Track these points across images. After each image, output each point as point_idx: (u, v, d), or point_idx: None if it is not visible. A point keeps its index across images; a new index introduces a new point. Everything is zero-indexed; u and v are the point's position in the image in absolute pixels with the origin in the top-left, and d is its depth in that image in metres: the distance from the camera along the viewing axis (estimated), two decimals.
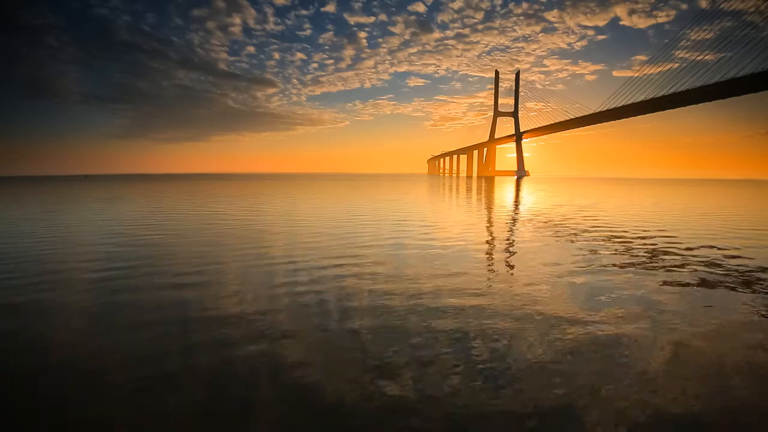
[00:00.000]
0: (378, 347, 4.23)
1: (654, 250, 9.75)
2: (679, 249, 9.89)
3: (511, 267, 7.89)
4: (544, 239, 11.21)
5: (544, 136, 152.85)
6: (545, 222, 15.09)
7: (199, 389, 3.45)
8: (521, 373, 3.71)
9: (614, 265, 8.04)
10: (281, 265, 8.03)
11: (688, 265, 8.11)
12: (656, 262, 8.33)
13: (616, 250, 9.73)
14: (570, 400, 3.23)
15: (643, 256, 8.97)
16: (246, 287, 6.42)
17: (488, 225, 14.40)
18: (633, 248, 9.99)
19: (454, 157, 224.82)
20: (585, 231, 12.97)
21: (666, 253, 9.39)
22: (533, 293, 6.09)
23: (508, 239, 11.28)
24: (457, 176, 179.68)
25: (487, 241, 10.84)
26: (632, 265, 8.05)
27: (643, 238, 11.65)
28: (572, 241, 10.88)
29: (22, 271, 7.66)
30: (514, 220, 15.80)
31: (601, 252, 9.44)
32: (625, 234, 12.44)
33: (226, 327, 4.81)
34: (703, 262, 8.43)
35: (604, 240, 11.26)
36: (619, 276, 7.16)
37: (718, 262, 8.47)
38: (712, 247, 10.20)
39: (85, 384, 3.56)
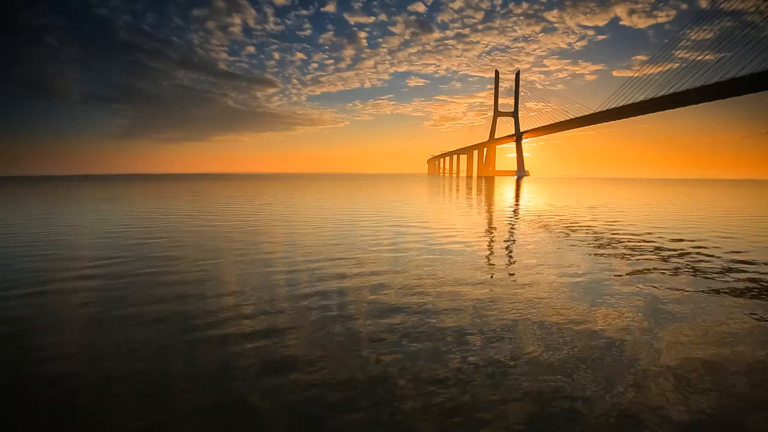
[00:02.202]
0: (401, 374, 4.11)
1: (703, 268, 8.04)
2: (723, 262, 8.62)
3: (562, 289, 6.43)
4: (574, 249, 9.97)
5: (544, 136, 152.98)
6: (567, 227, 14.13)
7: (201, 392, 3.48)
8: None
9: (663, 285, 6.73)
10: (288, 274, 7.90)
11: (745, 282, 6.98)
12: (708, 282, 6.95)
13: (662, 267, 8.11)
14: None
15: (686, 269, 7.89)
16: (257, 304, 6.18)
17: (508, 231, 13.12)
18: (671, 260, 8.74)
19: (454, 157, 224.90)
20: (613, 239, 11.61)
21: (718, 269, 7.94)
22: (591, 317, 5.15)
23: (539, 251, 9.75)
24: (457, 176, 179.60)
25: (516, 252, 9.62)
26: (689, 288, 6.59)
27: (679, 250, 9.96)
28: (605, 253, 9.44)
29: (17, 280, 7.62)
30: (535, 226, 14.48)
31: (644, 267, 8.10)
32: (652, 241, 11.23)
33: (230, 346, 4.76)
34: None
35: (636, 249, 9.97)
36: (676, 301, 5.90)
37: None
38: (753, 262, 8.64)
39: (84, 390, 3.56)
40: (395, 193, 36.40)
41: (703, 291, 6.40)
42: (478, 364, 3.93)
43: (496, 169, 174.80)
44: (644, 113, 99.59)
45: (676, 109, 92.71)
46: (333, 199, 29.18)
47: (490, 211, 19.93)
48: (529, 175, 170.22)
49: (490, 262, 8.51)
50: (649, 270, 7.82)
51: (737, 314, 5.36)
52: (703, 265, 8.32)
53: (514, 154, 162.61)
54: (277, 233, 12.40)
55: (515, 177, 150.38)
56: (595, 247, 10.32)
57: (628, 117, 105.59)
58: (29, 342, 4.44)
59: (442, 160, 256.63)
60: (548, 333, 4.68)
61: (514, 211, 19.99)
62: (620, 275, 7.39)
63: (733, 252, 9.75)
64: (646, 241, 11.22)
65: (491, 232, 12.76)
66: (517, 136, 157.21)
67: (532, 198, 32.14)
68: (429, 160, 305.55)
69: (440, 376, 3.67)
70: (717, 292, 6.37)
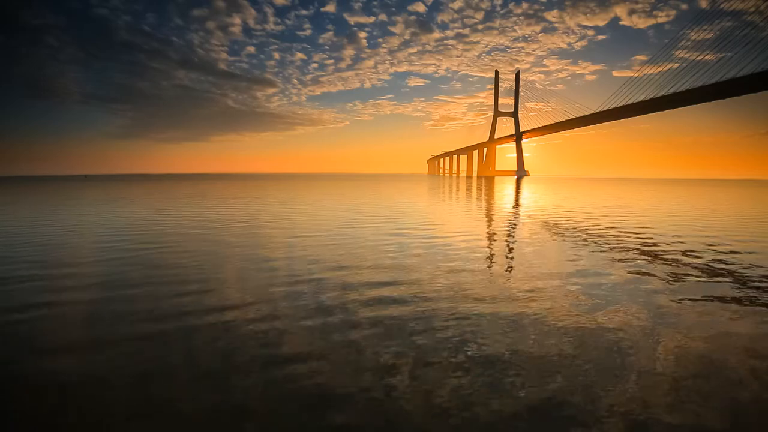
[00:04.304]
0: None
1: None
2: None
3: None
4: (609, 262, 8.57)
5: (544, 136, 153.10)
6: (592, 234, 12.48)
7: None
8: None
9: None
10: (298, 284, 7.68)
11: None
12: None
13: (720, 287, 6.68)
14: None
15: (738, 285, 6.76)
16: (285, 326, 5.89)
17: (531, 239, 11.68)
18: (726, 275, 7.52)
19: (454, 157, 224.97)
20: (640, 248, 10.25)
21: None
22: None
23: (573, 263, 8.47)
24: (457, 176, 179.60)
25: (550, 266, 8.22)
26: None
27: (731, 263, 8.55)
28: (644, 269, 7.95)
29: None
30: (556, 232, 13.09)
31: (687, 280, 7.08)
32: (689, 251, 9.84)
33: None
34: None
35: (667, 258, 8.90)
36: None
37: None
38: None
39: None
40: (399, 194, 36.37)
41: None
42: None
43: (496, 169, 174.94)
44: (644, 113, 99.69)
45: (676, 109, 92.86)
46: (336, 199, 29.15)
47: (502, 215, 18.76)
48: (529, 175, 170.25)
49: (520, 276, 7.35)
50: (705, 297, 6.19)
51: None
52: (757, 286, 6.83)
53: (514, 154, 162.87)
54: (283, 238, 12.30)
55: (515, 177, 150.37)
56: (631, 260, 8.80)
57: (628, 117, 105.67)
58: (29, 341, 4.43)
59: (442, 160, 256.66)
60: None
61: (528, 215, 18.68)
62: (659, 288, 6.57)
63: None
64: (679, 250, 10.02)
65: (512, 240, 11.45)
66: (517, 136, 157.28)
67: (540, 199, 31.36)
68: (429, 160, 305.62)
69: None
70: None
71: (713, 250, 10.07)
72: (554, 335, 4.63)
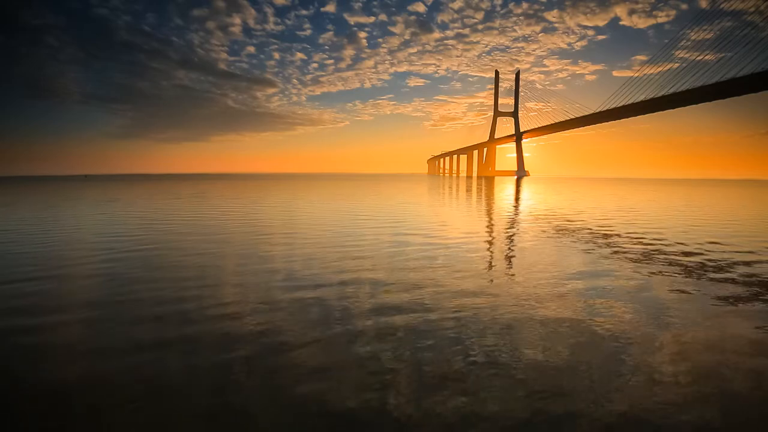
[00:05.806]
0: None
1: None
2: None
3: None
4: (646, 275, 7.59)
5: (544, 136, 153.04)
6: (617, 241, 11.40)
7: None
8: None
9: None
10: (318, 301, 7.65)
11: None
12: None
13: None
14: None
15: None
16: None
17: (550, 244, 10.96)
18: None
19: (454, 157, 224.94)
20: (681, 258, 9.20)
21: None
22: None
23: (610, 278, 7.42)
24: (457, 176, 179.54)
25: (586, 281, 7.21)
26: None
27: None
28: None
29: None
30: (573, 235, 12.50)
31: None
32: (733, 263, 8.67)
33: None
34: None
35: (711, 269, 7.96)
36: None
37: None
38: None
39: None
40: (399, 194, 36.32)
41: None
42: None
43: (496, 169, 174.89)
44: (644, 113, 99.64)
45: (676, 109, 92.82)
46: (337, 200, 29.11)
47: (506, 219, 17.74)
48: (529, 175, 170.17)
49: (542, 297, 6.21)
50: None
51: None
52: None
53: (514, 154, 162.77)
54: (283, 244, 12.12)
55: (515, 177, 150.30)
56: (663, 273, 7.81)
57: (628, 117, 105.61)
58: (30, 344, 4.39)
59: (442, 160, 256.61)
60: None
61: (536, 218, 17.86)
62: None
63: None
64: (711, 260, 9.02)
65: (523, 250, 10.34)
66: (517, 136, 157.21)
67: (544, 201, 30.71)
68: (429, 160, 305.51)
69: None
70: None
71: (750, 260, 9.03)
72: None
